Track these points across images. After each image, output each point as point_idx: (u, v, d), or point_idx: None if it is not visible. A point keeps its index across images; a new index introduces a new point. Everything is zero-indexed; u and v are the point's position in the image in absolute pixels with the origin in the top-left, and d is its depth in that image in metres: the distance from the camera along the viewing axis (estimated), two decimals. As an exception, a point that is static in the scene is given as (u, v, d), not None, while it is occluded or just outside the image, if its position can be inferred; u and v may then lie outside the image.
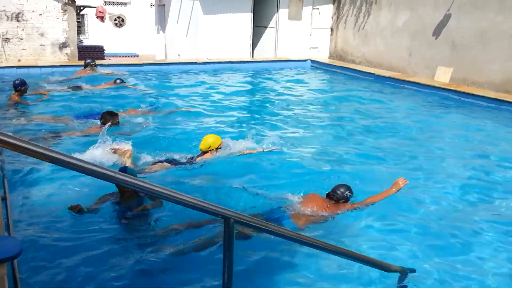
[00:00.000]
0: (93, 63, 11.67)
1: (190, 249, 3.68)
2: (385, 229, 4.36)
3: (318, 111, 9.79)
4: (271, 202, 4.58)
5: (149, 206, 4.34)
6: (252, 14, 15.70)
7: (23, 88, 9.02)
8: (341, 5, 16.57)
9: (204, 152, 5.96)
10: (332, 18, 17.06)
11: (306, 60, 16.15)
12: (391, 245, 4.04)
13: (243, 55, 15.85)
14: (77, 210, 4.12)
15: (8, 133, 1.56)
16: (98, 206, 4.38)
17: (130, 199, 4.39)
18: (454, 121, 9.04)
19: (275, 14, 16.27)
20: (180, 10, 16.79)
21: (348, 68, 14.75)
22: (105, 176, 1.84)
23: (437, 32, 12.70)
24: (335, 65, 15.34)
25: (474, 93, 10.67)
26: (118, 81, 10.78)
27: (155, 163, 5.79)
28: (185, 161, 5.89)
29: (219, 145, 6.03)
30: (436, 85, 11.69)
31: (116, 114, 7.39)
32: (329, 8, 16.95)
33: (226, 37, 15.51)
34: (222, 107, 9.67)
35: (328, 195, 4.61)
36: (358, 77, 13.93)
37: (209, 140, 5.97)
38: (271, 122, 8.57)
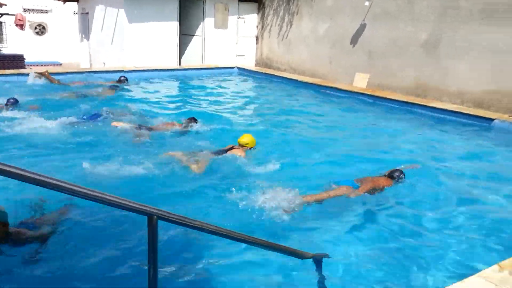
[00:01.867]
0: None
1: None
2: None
3: (246, 116, 10.11)
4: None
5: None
6: (178, 23, 15.82)
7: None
8: (265, 15, 17.09)
9: (238, 146, 6.66)
10: (257, 27, 17.55)
11: (233, 68, 16.47)
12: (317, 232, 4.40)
13: (170, 63, 15.91)
14: None
15: None
16: None
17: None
18: (366, 121, 9.74)
19: (202, 23, 16.49)
20: (104, 18, 16.58)
21: (273, 75, 15.24)
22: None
23: (354, 40, 13.47)
24: (261, 72, 15.78)
25: (387, 96, 11.49)
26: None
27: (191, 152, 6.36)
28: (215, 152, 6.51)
29: (254, 146, 6.79)
30: (354, 90, 12.41)
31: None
32: (254, 18, 17.43)
33: (153, 45, 15.52)
34: (150, 114, 9.72)
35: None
36: (283, 83, 14.43)
37: (248, 138, 6.76)
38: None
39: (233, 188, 5.12)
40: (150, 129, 7.89)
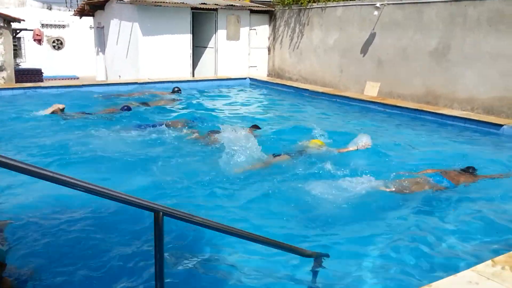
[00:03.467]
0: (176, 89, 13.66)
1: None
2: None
3: (269, 124, 10.25)
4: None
5: None
6: (191, 35, 16.15)
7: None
8: (276, 27, 17.35)
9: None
10: (268, 38, 17.81)
11: (245, 78, 16.72)
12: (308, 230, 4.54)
13: (184, 74, 16.22)
14: None
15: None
16: None
17: None
18: (375, 128, 9.89)
19: (214, 35, 16.80)
20: (119, 32, 16.98)
21: (285, 85, 15.44)
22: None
23: (364, 49, 13.63)
24: (273, 83, 15.99)
25: (397, 104, 11.61)
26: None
27: (277, 155, 7.15)
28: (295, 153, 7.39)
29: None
30: (365, 98, 12.55)
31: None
32: (266, 29, 17.70)
33: (167, 57, 15.85)
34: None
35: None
36: (294, 93, 14.62)
37: (318, 143, 7.75)
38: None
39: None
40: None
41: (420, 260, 4.14)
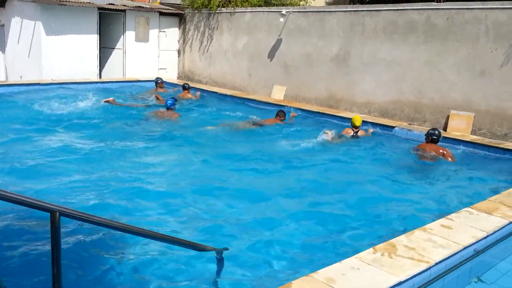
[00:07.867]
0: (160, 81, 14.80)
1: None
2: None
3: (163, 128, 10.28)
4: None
5: None
6: (98, 36, 15.76)
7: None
8: (186, 30, 17.41)
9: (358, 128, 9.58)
10: (178, 41, 17.81)
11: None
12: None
13: (90, 76, 15.77)
14: None
15: None
16: None
17: None
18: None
19: (122, 36, 16.50)
20: (20, 30, 16.16)
21: (194, 87, 15.51)
22: None
23: (271, 54, 14.10)
24: (182, 85, 16.01)
25: (301, 107, 12.16)
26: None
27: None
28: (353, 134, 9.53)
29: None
30: (271, 101, 12.99)
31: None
32: (176, 32, 17.68)
33: (72, 58, 15.34)
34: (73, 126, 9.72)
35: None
36: (204, 95, 14.74)
37: (360, 119, 9.64)
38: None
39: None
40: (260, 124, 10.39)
41: (307, 249, 4.48)
